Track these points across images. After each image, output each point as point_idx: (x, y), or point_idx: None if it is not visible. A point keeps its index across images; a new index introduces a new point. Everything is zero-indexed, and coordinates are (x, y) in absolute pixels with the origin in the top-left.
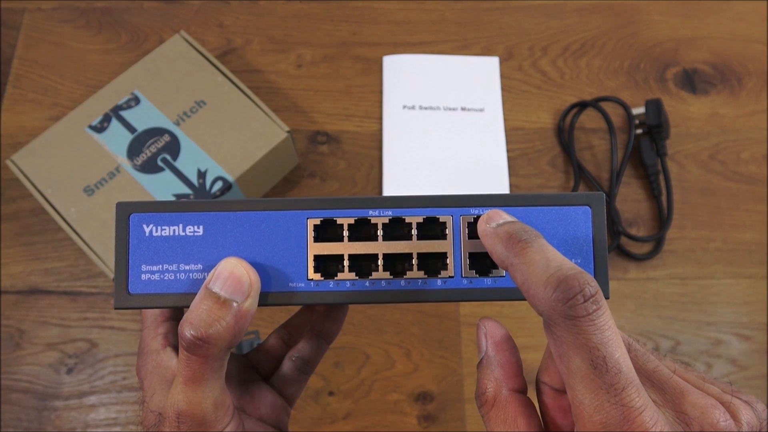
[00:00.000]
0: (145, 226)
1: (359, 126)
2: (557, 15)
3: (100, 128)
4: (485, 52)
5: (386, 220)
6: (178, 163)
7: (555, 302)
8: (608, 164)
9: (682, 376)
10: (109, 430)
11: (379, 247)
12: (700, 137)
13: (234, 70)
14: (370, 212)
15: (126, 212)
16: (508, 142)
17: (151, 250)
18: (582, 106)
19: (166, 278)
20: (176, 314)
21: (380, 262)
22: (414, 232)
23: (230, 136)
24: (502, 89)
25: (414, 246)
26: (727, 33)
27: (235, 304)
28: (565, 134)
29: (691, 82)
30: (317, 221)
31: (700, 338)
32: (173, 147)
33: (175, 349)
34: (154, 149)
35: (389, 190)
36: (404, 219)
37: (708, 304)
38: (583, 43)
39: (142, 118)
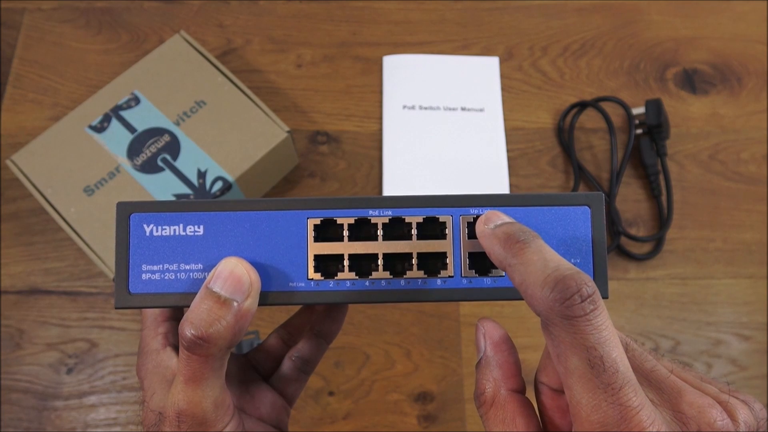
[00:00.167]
0: (145, 225)
1: (359, 126)
2: (557, 15)
3: (100, 128)
4: (485, 52)
5: (386, 220)
6: (178, 163)
7: (552, 302)
8: (608, 164)
9: (679, 376)
10: (109, 430)
11: (379, 247)
12: (700, 137)
13: (234, 70)
14: (370, 212)
15: (126, 212)
16: (508, 142)
17: (152, 250)
18: (582, 106)
19: (166, 278)
20: (176, 314)
21: (380, 261)
22: (414, 231)
23: (230, 136)
24: (502, 89)
25: (414, 246)
26: (727, 33)
27: (235, 304)
28: (565, 134)
29: (691, 82)
30: (317, 221)
31: (700, 338)
32: (173, 147)
33: (176, 348)
34: (154, 149)
35: (389, 190)
36: (404, 219)
37: (708, 304)
38: (583, 43)
39: (142, 118)
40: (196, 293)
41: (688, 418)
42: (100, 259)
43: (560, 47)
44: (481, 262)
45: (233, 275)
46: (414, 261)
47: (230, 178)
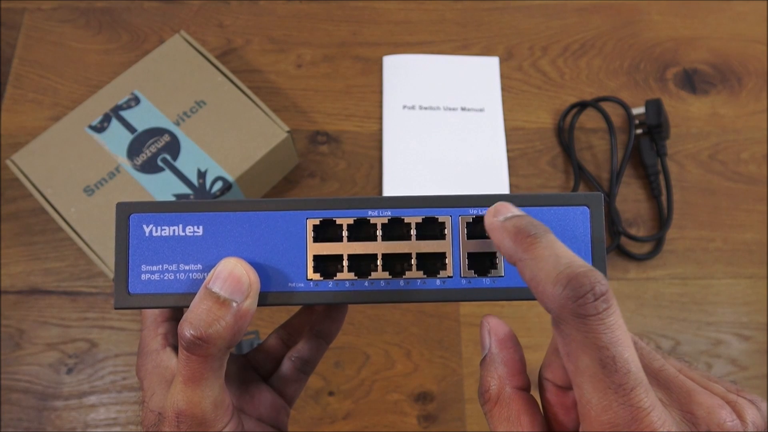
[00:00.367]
0: (144, 226)
1: (359, 126)
2: (557, 15)
3: (100, 128)
4: (485, 52)
5: (385, 221)
6: (178, 163)
7: (564, 300)
8: (608, 164)
9: (687, 375)
10: (109, 430)
11: (378, 247)
12: (700, 137)
13: (234, 70)
14: (369, 212)
15: (126, 212)
16: (508, 142)
17: (151, 250)
18: (582, 106)
19: (165, 278)
20: (176, 314)
21: (379, 262)
22: (413, 232)
23: (230, 136)
24: (502, 89)
25: (413, 246)
26: (727, 33)
27: (234, 304)
28: (565, 134)
29: (691, 82)
30: (316, 221)
31: (700, 338)
32: (173, 147)
33: (175, 349)
34: (154, 149)
35: (389, 190)
36: (403, 219)
37: (708, 304)
38: (583, 43)
39: (142, 118)
40: (195, 293)
41: (698, 418)
42: (100, 259)
43: (560, 47)
44: (480, 263)
45: (232, 275)
46: (413, 261)
47: (230, 178)
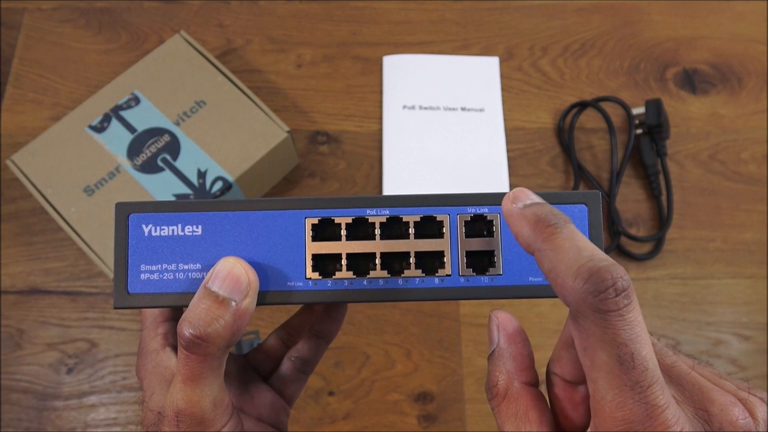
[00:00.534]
0: (144, 226)
1: (359, 126)
2: (557, 15)
3: (100, 128)
4: (485, 52)
5: (384, 219)
6: (178, 163)
7: (585, 294)
8: (608, 164)
9: (699, 372)
10: (109, 430)
11: (377, 246)
12: (700, 137)
13: (234, 70)
14: (368, 211)
15: (125, 212)
16: (508, 142)
17: (150, 250)
18: (582, 106)
19: (165, 278)
20: (176, 314)
21: (378, 260)
22: (411, 231)
23: (230, 136)
24: (502, 89)
25: (411, 245)
26: (727, 33)
27: (233, 303)
28: (565, 134)
29: (691, 82)
30: (315, 221)
31: (700, 338)
32: (173, 147)
33: (175, 348)
34: (154, 149)
35: (389, 189)
36: (401, 218)
37: (708, 304)
38: (583, 43)
39: (142, 118)
40: (194, 293)
41: (711, 415)
42: (100, 259)
43: (560, 47)
44: (478, 261)
45: (231, 275)
46: (412, 260)
47: (230, 178)
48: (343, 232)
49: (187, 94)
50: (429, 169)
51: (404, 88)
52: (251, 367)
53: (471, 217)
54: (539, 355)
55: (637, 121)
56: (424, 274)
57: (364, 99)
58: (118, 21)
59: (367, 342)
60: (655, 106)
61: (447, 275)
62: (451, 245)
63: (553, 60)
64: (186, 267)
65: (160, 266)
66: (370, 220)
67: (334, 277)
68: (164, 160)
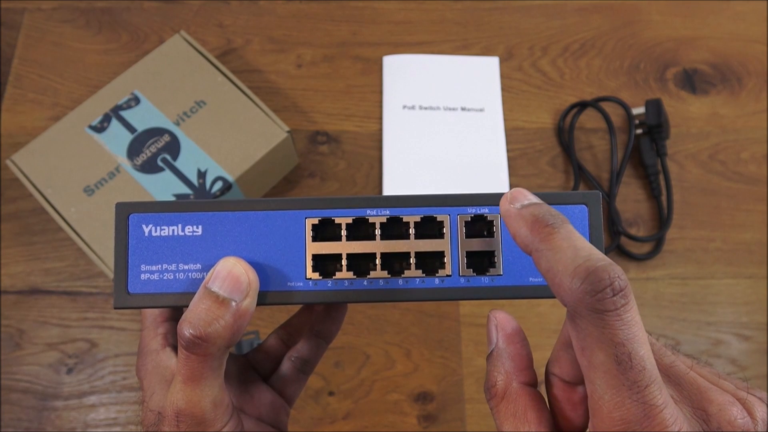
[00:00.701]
0: (144, 226)
1: (359, 126)
2: (557, 15)
3: (100, 128)
4: (485, 52)
5: (384, 220)
6: (178, 163)
7: (582, 294)
8: (608, 164)
9: (698, 372)
10: (109, 430)
11: (377, 246)
12: (700, 137)
13: (234, 70)
14: (368, 212)
15: (125, 212)
16: (508, 142)
17: (151, 250)
18: (582, 106)
19: (165, 278)
20: (176, 314)
21: (378, 261)
22: (411, 231)
23: (230, 136)
24: (502, 89)
25: (411, 245)
26: (727, 33)
27: (233, 303)
28: (565, 134)
29: (691, 82)
30: (315, 221)
31: (700, 338)
32: (173, 147)
33: (175, 348)
34: (154, 149)
35: (389, 189)
36: (402, 218)
37: (708, 304)
38: (583, 43)
39: (142, 118)
40: (194, 293)
41: (709, 415)
42: (100, 259)
43: (560, 47)
44: (478, 261)
45: (231, 275)
46: (412, 260)
47: (230, 178)
48: (344, 233)
49: (187, 94)
50: (429, 169)
51: (404, 88)
52: (251, 367)
53: (471, 217)
54: (539, 355)
55: (637, 121)
56: (424, 275)
57: (364, 99)
58: (118, 21)
59: (367, 342)
60: (655, 106)
61: (447, 275)
62: (452, 245)
63: (553, 60)
64: (186, 267)
65: (160, 266)
66: (371, 220)
67: (334, 277)
68: (164, 160)
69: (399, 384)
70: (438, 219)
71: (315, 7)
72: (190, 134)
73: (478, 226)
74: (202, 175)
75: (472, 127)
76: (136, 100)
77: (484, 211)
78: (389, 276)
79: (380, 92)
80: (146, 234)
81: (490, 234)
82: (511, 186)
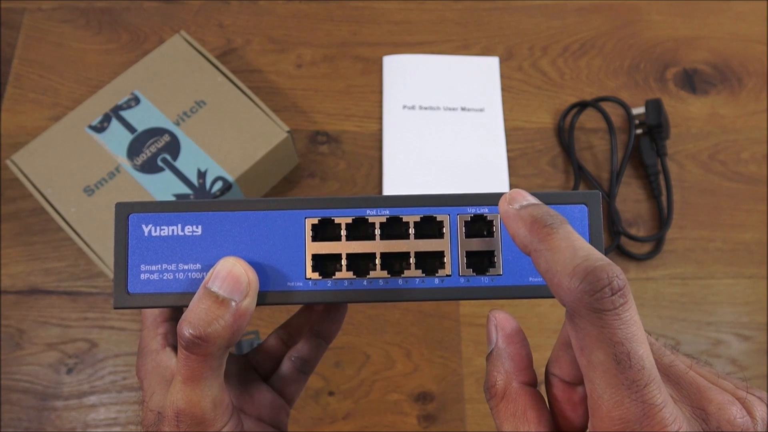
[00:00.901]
0: (144, 226)
1: (359, 126)
2: (557, 15)
3: (100, 128)
4: (485, 52)
5: (383, 220)
6: (178, 163)
7: (581, 293)
8: (608, 164)
9: (697, 372)
10: (109, 430)
11: (377, 246)
12: (700, 137)
13: (234, 70)
14: (368, 211)
15: (125, 212)
16: (508, 142)
17: (150, 250)
18: (582, 106)
19: (165, 278)
20: (176, 314)
21: (378, 261)
22: (411, 231)
23: (230, 136)
24: (502, 89)
25: (411, 245)
26: (727, 33)
27: (233, 303)
28: (565, 134)
29: (691, 82)
30: (315, 221)
31: (700, 338)
32: (173, 147)
33: (175, 348)
34: (154, 149)
35: (389, 189)
36: (401, 218)
37: (708, 304)
38: (583, 43)
39: (142, 118)
40: (194, 293)
41: (709, 415)
42: (100, 259)
43: (560, 47)
44: (478, 261)
45: (231, 275)
46: (411, 260)
47: (230, 178)
48: (343, 233)
49: (187, 94)
50: (429, 170)
51: (404, 88)
52: (251, 367)
53: (471, 217)
54: (539, 355)
55: (637, 121)
56: (424, 275)
57: (364, 99)
58: (118, 21)
59: (367, 342)
60: (655, 106)
61: (447, 275)
62: (451, 245)
63: (553, 60)
64: (186, 267)
65: (160, 266)
66: (370, 220)
67: (334, 277)
68: (164, 160)
69: (399, 384)
70: (438, 219)
71: (315, 7)
72: (190, 134)
73: (478, 226)
74: (202, 175)
75: (472, 127)
76: (136, 100)
77: (483, 211)
78: (389, 276)
79: (380, 92)
80: (146, 234)
81: (490, 234)
82: (511, 186)
